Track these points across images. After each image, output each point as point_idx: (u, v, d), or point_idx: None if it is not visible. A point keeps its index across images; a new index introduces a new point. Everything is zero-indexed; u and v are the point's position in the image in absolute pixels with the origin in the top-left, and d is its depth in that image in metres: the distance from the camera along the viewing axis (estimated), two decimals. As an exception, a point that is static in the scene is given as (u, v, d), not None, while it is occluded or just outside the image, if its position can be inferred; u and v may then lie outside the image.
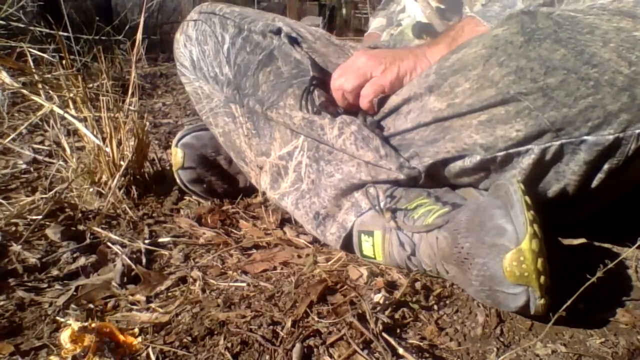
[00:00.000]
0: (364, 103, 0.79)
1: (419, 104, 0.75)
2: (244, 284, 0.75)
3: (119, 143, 1.01)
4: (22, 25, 1.84)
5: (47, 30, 1.79)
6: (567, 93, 0.65)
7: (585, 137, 0.67)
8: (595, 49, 0.62)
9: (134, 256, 0.82)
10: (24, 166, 1.22)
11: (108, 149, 1.00)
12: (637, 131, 0.64)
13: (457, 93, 0.72)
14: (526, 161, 0.70)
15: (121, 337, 0.62)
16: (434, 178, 0.80)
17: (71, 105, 1.04)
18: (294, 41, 0.86)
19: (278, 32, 0.87)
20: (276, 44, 0.86)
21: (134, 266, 0.78)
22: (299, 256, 0.83)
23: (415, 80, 0.77)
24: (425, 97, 0.75)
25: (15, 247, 0.83)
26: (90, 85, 1.24)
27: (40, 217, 0.90)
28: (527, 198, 0.63)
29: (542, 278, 0.60)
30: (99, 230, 0.90)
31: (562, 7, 0.66)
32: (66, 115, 0.99)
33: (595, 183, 0.71)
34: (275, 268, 0.80)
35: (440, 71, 0.74)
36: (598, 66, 0.62)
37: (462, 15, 0.89)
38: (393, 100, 0.79)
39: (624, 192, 0.77)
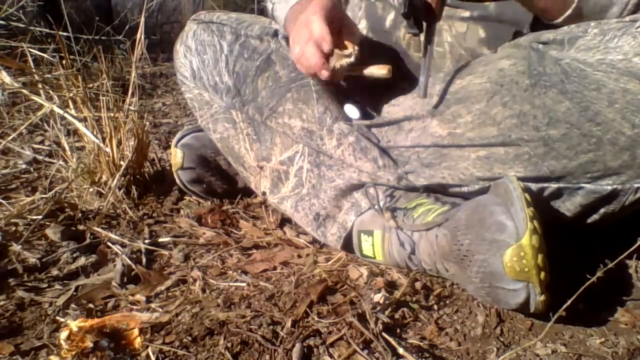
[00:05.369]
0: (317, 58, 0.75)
1: (421, 124, 0.76)
2: (244, 284, 0.75)
3: (119, 143, 1.01)
4: (22, 25, 1.85)
5: (47, 30, 1.80)
6: (569, 146, 0.66)
7: (584, 185, 0.68)
8: (600, 108, 0.62)
9: (134, 256, 0.82)
10: (24, 166, 1.22)
11: (108, 149, 1.00)
12: (636, 185, 0.66)
13: (459, 123, 0.72)
14: None
15: (122, 338, 0.62)
16: (433, 191, 0.80)
17: (71, 105, 1.04)
18: None
19: (275, 34, 0.87)
20: (273, 47, 0.86)
21: (134, 266, 0.78)
22: (299, 256, 0.83)
23: (417, 95, 0.78)
24: (428, 119, 0.76)
25: (15, 247, 0.83)
26: (90, 85, 1.24)
27: (40, 217, 0.90)
28: (526, 195, 0.64)
29: (543, 274, 0.60)
30: (99, 230, 0.90)
31: (571, 52, 0.64)
32: (66, 115, 0.99)
33: (589, 221, 0.73)
34: (275, 268, 0.80)
35: (445, 95, 0.74)
36: (602, 125, 0.63)
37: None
38: (395, 112, 0.79)
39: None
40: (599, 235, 0.80)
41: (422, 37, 0.72)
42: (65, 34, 1.15)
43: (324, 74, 0.75)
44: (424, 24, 0.70)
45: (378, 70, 0.77)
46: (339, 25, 0.75)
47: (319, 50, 0.73)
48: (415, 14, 0.68)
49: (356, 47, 0.76)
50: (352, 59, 0.75)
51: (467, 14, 0.81)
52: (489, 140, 0.70)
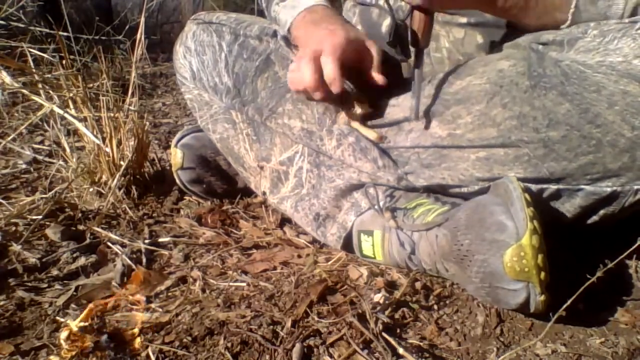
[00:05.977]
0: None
1: (421, 125, 0.76)
2: (244, 284, 0.75)
3: (119, 143, 1.01)
4: (22, 25, 1.85)
5: (47, 30, 1.80)
6: (568, 148, 0.65)
7: (584, 186, 0.68)
8: (600, 110, 0.62)
9: (134, 256, 0.82)
10: (24, 166, 1.22)
11: (108, 149, 1.00)
12: (636, 187, 0.66)
13: (459, 124, 0.72)
14: None
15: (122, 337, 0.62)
16: (433, 192, 0.80)
17: (71, 105, 1.04)
18: (290, 43, 0.86)
19: (274, 34, 0.87)
20: (272, 47, 0.86)
21: (134, 266, 0.78)
22: (299, 256, 0.83)
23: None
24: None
25: (15, 247, 0.83)
26: (90, 85, 1.25)
27: (40, 217, 0.90)
28: (526, 195, 0.64)
29: (543, 274, 0.60)
30: (99, 230, 0.90)
31: (571, 54, 0.64)
32: (66, 115, 0.99)
33: (588, 222, 0.73)
34: (275, 268, 0.80)
35: (444, 96, 0.74)
36: (601, 126, 0.63)
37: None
38: (395, 112, 0.79)
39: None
40: (599, 235, 0.80)
41: (410, 61, 0.73)
42: (65, 34, 1.15)
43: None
44: (412, 49, 0.71)
45: (371, 136, 0.78)
46: (356, 59, 0.76)
47: (324, 92, 0.74)
48: (401, 42, 0.69)
49: (368, 107, 0.80)
50: (359, 116, 0.79)
51: (464, 20, 0.81)
52: (488, 142, 0.70)
